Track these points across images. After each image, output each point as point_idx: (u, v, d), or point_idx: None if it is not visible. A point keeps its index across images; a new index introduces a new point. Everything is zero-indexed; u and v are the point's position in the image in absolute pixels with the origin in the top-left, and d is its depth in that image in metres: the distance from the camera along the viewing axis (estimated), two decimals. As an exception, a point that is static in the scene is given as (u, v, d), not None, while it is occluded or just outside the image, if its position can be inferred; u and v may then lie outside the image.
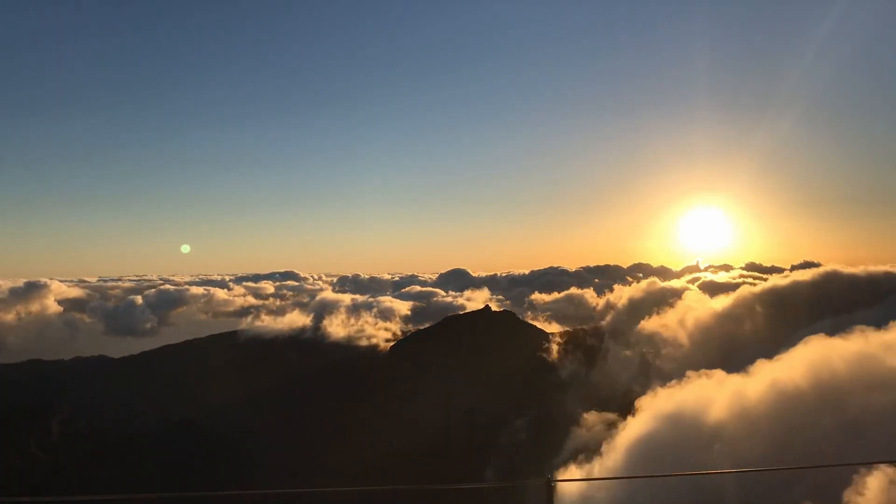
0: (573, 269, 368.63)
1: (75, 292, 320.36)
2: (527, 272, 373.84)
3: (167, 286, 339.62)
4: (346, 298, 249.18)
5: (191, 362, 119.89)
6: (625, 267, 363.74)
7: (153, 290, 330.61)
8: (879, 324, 59.09)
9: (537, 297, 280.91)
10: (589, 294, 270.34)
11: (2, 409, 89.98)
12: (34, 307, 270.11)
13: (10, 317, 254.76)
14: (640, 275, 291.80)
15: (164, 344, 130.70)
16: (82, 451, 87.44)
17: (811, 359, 53.18)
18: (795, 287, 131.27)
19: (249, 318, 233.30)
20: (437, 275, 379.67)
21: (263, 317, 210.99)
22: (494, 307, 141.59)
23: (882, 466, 32.68)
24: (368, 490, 9.46)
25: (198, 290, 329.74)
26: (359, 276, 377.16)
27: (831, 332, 59.42)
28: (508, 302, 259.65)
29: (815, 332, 62.37)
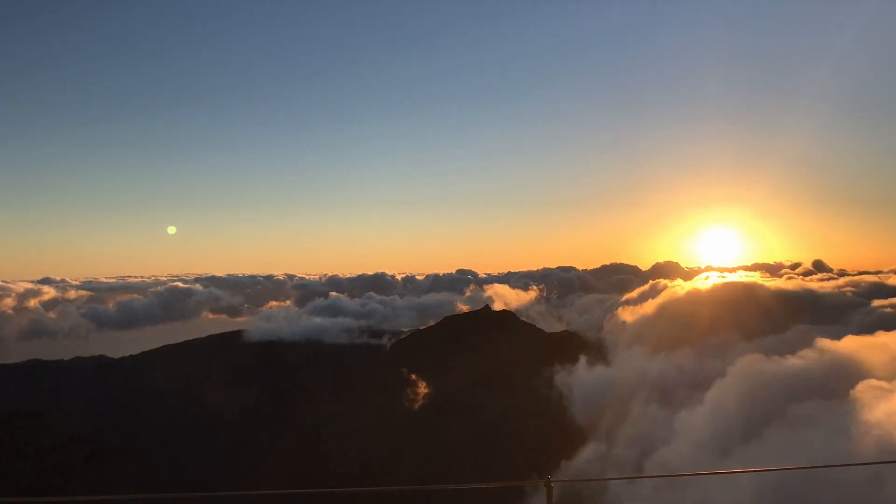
0: (579, 269, 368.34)
1: (75, 292, 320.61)
2: (527, 271, 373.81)
3: (167, 285, 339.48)
4: (345, 299, 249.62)
5: (191, 362, 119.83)
6: (629, 265, 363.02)
7: (152, 289, 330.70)
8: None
9: (543, 296, 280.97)
10: (593, 294, 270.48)
11: (1, 410, 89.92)
12: (34, 307, 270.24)
13: (9, 317, 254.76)
14: (649, 275, 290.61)
15: (164, 344, 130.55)
16: (82, 452, 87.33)
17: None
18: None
19: (250, 319, 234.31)
20: (439, 274, 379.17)
21: (263, 317, 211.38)
22: (496, 306, 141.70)
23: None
24: (369, 490, 9.38)
25: (199, 290, 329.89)
26: (358, 275, 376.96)
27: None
28: (511, 301, 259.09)
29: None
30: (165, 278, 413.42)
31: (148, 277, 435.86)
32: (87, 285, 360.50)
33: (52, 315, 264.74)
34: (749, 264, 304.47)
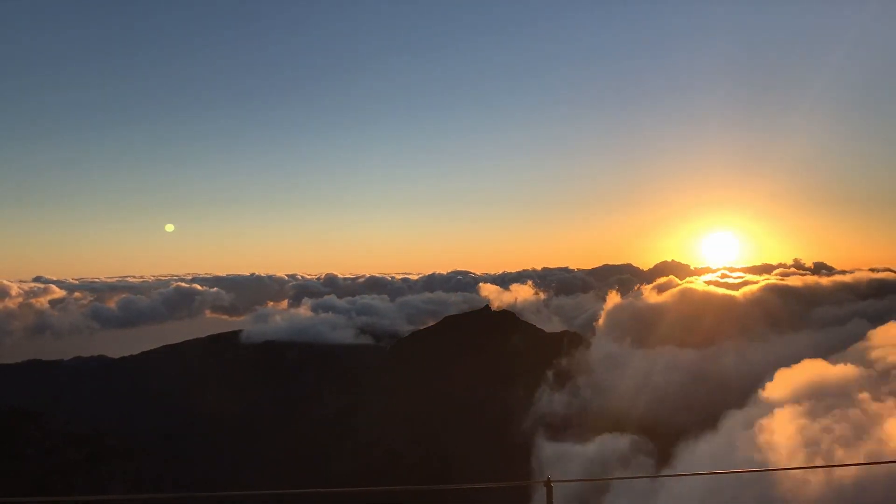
0: (579, 269, 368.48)
1: (75, 292, 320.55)
2: (526, 271, 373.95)
3: (167, 285, 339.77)
4: (344, 299, 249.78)
5: (191, 362, 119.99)
6: (629, 265, 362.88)
7: (152, 289, 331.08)
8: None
9: (542, 296, 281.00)
10: (594, 294, 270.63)
11: (1, 410, 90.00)
12: (34, 307, 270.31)
13: (9, 317, 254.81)
14: (649, 275, 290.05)
15: (163, 344, 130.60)
16: (82, 452, 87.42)
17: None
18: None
19: (249, 318, 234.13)
20: (436, 274, 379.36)
21: (263, 317, 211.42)
22: (495, 306, 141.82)
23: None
24: (368, 490, 9.45)
25: (198, 289, 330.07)
26: (357, 275, 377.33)
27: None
28: (510, 301, 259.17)
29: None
30: (165, 278, 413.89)
31: (148, 277, 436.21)
32: (87, 285, 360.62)
33: (52, 315, 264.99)
34: (748, 265, 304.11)
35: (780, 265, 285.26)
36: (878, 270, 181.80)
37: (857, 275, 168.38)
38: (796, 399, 58.56)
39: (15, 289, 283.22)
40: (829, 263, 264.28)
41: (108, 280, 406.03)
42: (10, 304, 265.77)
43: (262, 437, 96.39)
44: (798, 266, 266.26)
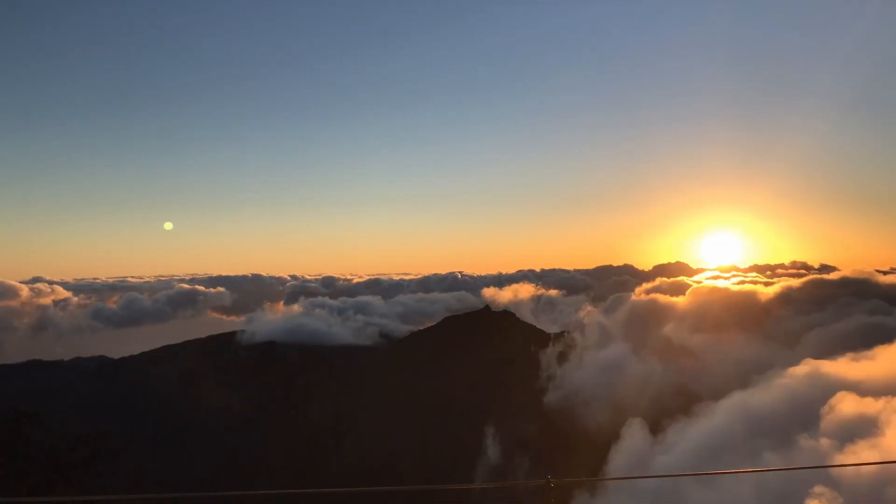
0: (579, 269, 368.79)
1: (75, 293, 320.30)
2: (525, 271, 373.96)
3: (168, 286, 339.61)
4: (343, 299, 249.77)
5: (191, 362, 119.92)
6: (628, 266, 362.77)
7: (152, 289, 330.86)
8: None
9: (540, 297, 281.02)
10: (593, 295, 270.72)
11: (2, 410, 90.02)
12: (34, 308, 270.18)
13: (10, 317, 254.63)
14: (649, 276, 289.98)
15: (164, 344, 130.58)
16: (82, 452, 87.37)
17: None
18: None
19: (249, 318, 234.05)
20: (437, 275, 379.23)
21: (263, 317, 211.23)
22: (495, 307, 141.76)
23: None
24: (368, 490, 9.55)
25: (199, 290, 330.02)
26: (356, 276, 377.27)
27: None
28: (510, 301, 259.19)
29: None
30: (166, 278, 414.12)
31: (148, 277, 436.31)
32: (87, 285, 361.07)
33: (52, 315, 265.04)
34: (751, 265, 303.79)
35: (779, 265, 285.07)
36: (827, 271, 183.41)
37: (814, 276, 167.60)
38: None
39: (15, 289, 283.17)
40: (835, 265, 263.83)
41: (108, 280, 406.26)
42: (12, 304, 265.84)
43: (261, 437, 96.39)
44: (796, 267, 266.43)
